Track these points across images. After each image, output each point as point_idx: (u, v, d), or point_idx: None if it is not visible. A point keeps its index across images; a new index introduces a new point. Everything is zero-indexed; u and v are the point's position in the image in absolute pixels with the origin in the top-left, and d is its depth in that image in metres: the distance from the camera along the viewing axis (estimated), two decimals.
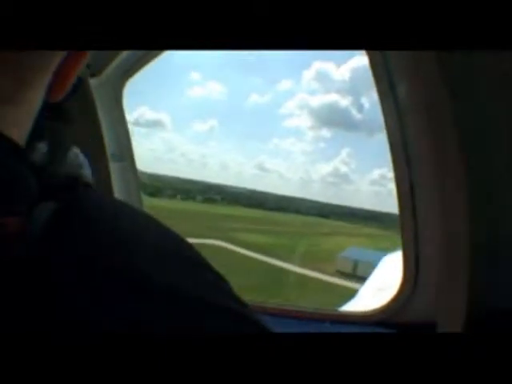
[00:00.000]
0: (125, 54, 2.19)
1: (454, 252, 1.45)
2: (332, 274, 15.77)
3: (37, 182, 0.48)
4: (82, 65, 0.56)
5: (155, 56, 2.24)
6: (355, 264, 14.83)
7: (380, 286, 2.25)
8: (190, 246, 0.57)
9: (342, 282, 15.09)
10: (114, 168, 2.39)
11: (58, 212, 0.47)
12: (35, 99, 0.52)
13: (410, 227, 1.65)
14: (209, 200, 25.39)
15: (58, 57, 0.52)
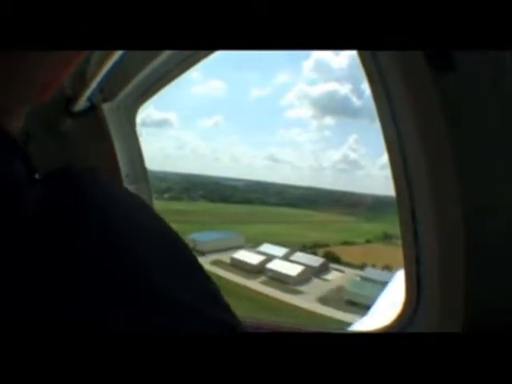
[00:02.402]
0: (138, 79, 2.22)
1: (452, 255, 1.49)
2: None
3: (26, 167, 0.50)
4: (71, 68, 0.55)
5: (168, 81, 2.27)
6: (194, 243, 18.28)
7: (392, 302, 2.22)
8: (186, 246, 0.57)
9: None
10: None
11: (52, 197, 0.48)
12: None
13: (411, 246, 1.64)
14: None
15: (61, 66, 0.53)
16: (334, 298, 16.15)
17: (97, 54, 2.06)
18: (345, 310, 15.39)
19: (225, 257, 18.77)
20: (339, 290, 16.68)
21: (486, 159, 1.35)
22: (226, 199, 29.25)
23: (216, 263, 18.35)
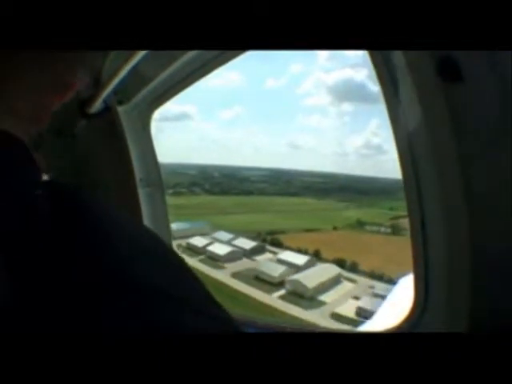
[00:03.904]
0: (153, 82, 2.22)
1: (459, 257, 1.51)
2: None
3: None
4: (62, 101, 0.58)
5: (183, 88, 2.28)
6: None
7: (397, 305, 2.23)
8: (173, 250, 0.62)
9: None
10: (142, 193, 2.42)
11: (61, 212, 0.51)
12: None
13: (420, 252, 1.66)
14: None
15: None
16: (246, 275, 19.28)
17: (113, 57, 2.08)
18: (251, 285, 18.41)
19: (184, 242, 21.14)
20: (253, 268, 20.07)
21: (491, 163, 1.37)
22: (226, 192, 31.43)
23: (176, 247, 19.48)
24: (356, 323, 14.92)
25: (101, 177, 2.50)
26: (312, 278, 17.56)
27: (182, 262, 0.59)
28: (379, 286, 17.83)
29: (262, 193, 32.03)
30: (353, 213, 27.99)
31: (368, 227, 25.70)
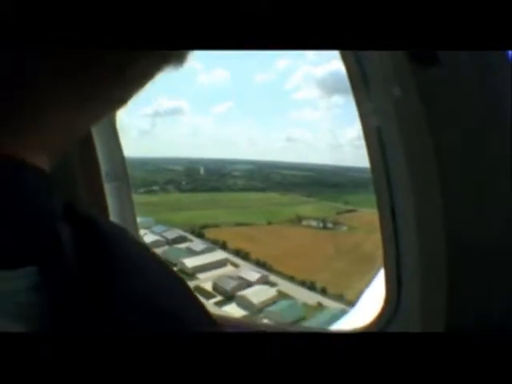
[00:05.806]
0: None
1: (434, 254, 1.47)
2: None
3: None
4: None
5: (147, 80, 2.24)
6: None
7: (373, 303, 2.22)
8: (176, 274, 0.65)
9: None
10: (108, 188, 2.37)
11: (78, 238, 0.49)
12: None
13: (390, 244, 1.62)
14: None
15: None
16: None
17: None
18: None
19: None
20: (163, 253, 22.47)
21: (468, 157, 1.34)
22: (195, 189, 32.81)
23: None
24: (208, 295, 17.65)
25: (66, 170, 2.43)
26: (197, 260, 20.84)
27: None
28: (245, 271, 20.83)
29: (229, 189, 34.21)
30: (307, 207, 29.45)
31: (305, 222, 27.03)
